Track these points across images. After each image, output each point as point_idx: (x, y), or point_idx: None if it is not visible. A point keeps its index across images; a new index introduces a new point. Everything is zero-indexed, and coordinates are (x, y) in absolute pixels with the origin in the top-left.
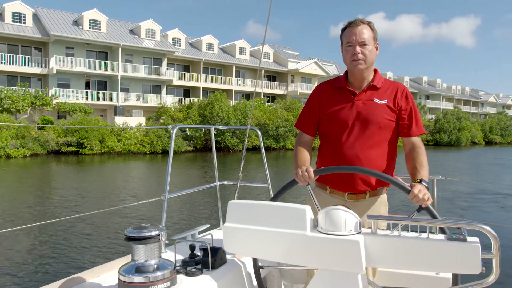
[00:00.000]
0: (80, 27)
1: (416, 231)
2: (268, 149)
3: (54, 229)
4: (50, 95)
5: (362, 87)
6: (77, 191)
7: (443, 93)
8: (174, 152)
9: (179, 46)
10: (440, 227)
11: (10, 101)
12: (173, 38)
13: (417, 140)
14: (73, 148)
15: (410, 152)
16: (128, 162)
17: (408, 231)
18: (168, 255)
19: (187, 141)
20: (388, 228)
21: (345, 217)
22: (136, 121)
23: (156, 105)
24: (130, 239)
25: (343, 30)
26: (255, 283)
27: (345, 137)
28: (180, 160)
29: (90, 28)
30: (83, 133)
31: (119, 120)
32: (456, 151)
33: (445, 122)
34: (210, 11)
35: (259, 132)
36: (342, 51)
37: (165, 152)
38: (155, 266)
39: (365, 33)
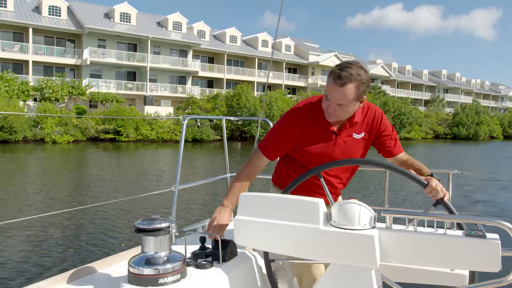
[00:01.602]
0: (111, 19)
1: (433, 227)
2: None
3: (66, 218)
4: (84, 85)
5: (342, 124)
6: (108, 177)
7: (462, 86)
8: (204, 141)
9: (204, 38)
10: (457, 223)
11: (50, 91)
12: (198, 30)
13: (403, 155)
14: (110, 136)
15: (403, 164)
16: (160, 149)
17: (424, 226)
18: (178, 247)
19: (214, 131)
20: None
21: (359, 211)
22: (165, 110)
23: (182, 95)
24: (140, 230)
25: (330, 73)
26: (265, 276)
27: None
28: (208, 148)
29: (120, 21)
30: (119, 121)
31: (150, 110)
32: (474, 145)
33: (464, 116)
34: (225, 1)
35: (271, 123)
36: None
37: (195, 141)
38: (165, 258)
39: (346, 96)
